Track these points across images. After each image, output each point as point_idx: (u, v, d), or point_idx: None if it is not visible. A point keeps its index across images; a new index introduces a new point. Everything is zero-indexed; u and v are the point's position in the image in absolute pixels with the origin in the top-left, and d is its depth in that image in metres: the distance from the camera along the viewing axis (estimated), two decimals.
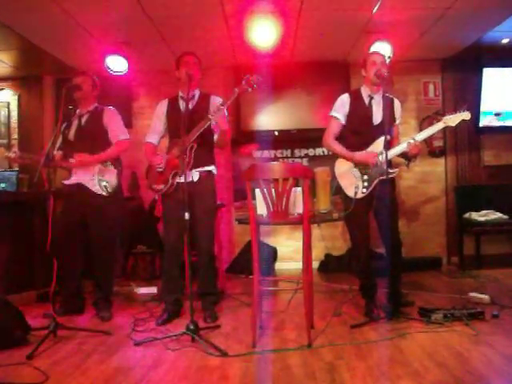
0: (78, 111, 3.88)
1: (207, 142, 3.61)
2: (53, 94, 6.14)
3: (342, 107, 3.64)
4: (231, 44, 5.16)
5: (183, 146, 3.34)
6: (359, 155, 3.50)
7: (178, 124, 3.44)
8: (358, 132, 3.57)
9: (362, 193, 3.49)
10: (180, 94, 3.69)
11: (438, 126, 3.49)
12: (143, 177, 5.72)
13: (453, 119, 3.47)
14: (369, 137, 3.53)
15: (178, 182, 3.49)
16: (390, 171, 3.42)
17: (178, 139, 3.44)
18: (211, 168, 3.69)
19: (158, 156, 3.64)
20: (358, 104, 3.62)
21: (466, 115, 3.46)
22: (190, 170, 3.51)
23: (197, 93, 3.72)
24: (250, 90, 3.41)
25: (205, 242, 3.64)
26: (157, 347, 2.97)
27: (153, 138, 3.79)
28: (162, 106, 3.77)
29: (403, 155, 3.59)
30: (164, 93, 5.77)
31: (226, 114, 3.62)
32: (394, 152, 3.50)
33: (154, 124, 3.79)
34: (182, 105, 3.65)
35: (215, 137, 3.60)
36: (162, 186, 3.58)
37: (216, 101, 3.62)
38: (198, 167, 3.57)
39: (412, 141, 3.42)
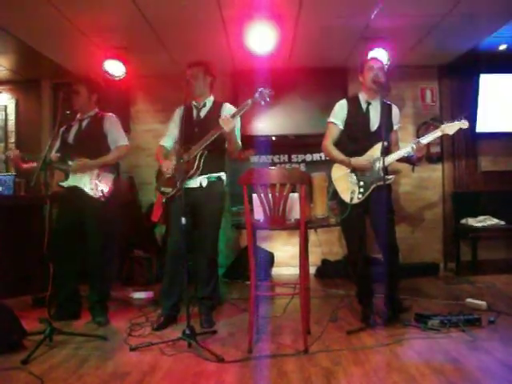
0: (78, 115, 3.89)
1: (219, 148, 3.65)
2: (50, 97, 6.14)
3: (340, 113, 3.66)
4: (229, 49, 5.17)
5: (184, 154, 3.37)
6: (355, 161, 3.51)
7: (188, 131, 3.47)
8: (356, 138, 3.59)
9: (358, 198, 3.50)
10: (193, 102, 3.72)
11: (435, 134, 3.50)
12: (140, 181, 5.78)
13: (450, 127, 3.48)
14: (366, 143, 3.54)
15: (185, 187, 3.49)
16: (387, 177, 3.43)
17: (188, 145, 3.49)
18: (221, 174, 3.71)
19: (167, 161, 3.66)
20: (355, 110, 3.63)
21: (463, 124, 3.47)
22: (199, 175, 3.55)
23: (209, 100, 3.75)
24: (262, 103, 3.43)
25: (208, 247, 3.65)
26: (153, 352, 2.96)
27: (166, 142, 3.81)
28: (179, 112, 3.79)
29: (407, 160, 3.60)
30: (162, 98, 5.82)
31: (239, 122, 3.65)
32: (395, 157, 3.50)
33: (171, 129, 3.81)
34: (194, 112, 3.71)
35: (226, 145, 3.65)
36: (170, 190, 3.60)
37: (227, 108, 3.66)
38: (208, 173, 3.60)
39: (415, 145, 3.43)
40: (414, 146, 3.44)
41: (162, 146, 3.81)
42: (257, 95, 3.42)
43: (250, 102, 3.44)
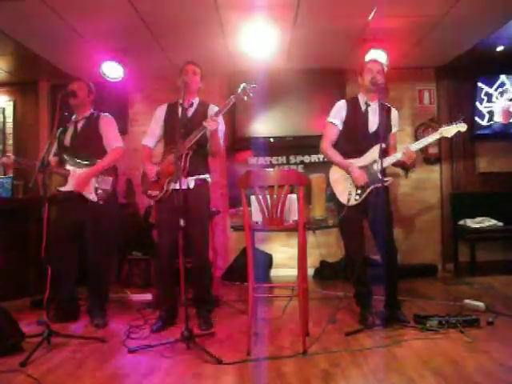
0: (74, 117, 3.89)
1: (203, 150, 3.64)
2: (48, 99, 6.12)
3: (338, 113, 3.66)
4: (227, 51, 5.17)
5: (178, 153, 3.35)
6: (353, 170, 3.50)
7: (174, 130, 3.45)
8: (354, 139, 3.59)
9: (355, 200, 3.51)
10: (180, 100, 3.70)
11: (433, 137, 3.52)
12: (138, 184, 5.75)
13: (449, 130, 3.50)
14: (364, 144, 3.54)
15: (172, 189, 3.49)
16: (385, 179, 3.44)
17: (174, 145, 3.45)
18: (206, 176, 3.70)
19: (151, 166, 3.65)
20: (354, 111, 3.64)
21: (461, 126, 3.49)
22: (186, 177, 3.52)
23: (196, 101, 3.74)
24: (245, 98, 3.43)
25: (199, 249, 3.63)
26: (151, 354, 2.96)
27: (149, 141, 3.80)
28: (161, 110, 3.79)
29: (400, 166, 3.61)
30: (160, 99, 5.76)
31: (223, 123, 3.64)
32: (388, 161, 3.51)
33: (152, 127, 3.81)
34: (180, 112, 3.67)
35: (209, 146, 3.63)
36: (157, 192, 3.59)
37: (214, 110, 3.65)
38: (194, 175, 3.58)
39: (405, 151, 3.45)
40: (405, 151, 3.46)
41: (146, 145, 3.79)
42: (239, 91, 3.42)
43: (232, 98, 3.44)
